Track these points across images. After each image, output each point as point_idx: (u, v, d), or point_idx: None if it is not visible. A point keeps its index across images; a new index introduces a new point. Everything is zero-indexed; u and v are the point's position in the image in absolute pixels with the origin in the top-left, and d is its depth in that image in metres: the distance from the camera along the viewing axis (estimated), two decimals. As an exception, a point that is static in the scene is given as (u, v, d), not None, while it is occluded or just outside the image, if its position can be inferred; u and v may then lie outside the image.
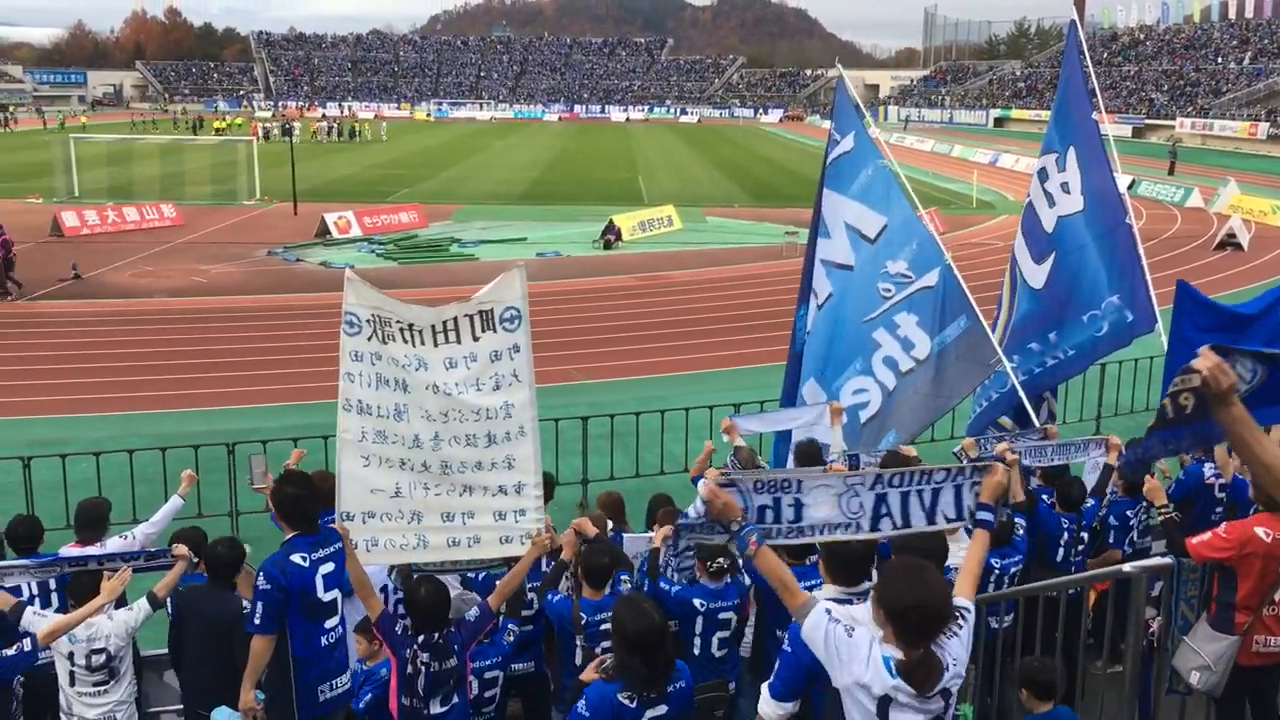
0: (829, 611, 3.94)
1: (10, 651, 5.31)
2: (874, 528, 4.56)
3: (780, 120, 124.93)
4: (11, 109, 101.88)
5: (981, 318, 8.48)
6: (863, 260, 8.96)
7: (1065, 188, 9.68)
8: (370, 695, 5.79)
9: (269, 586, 5.53)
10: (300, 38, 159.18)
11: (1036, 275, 9.73)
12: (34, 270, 25.23)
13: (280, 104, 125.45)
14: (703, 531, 4.67)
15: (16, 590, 6.20)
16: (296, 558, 5.64)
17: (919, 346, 8.60)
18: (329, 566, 5.73)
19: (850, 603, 4.38)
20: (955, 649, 3.87)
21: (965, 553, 4.41)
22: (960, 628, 3.92)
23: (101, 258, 28.57)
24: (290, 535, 5.74)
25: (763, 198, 46.36)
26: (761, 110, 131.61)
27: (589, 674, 5.10)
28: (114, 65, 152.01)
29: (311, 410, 14.59)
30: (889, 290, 8.69)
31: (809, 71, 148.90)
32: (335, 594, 5.82)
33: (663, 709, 4.82)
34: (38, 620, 5.88)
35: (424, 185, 48.79)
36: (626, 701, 4.70)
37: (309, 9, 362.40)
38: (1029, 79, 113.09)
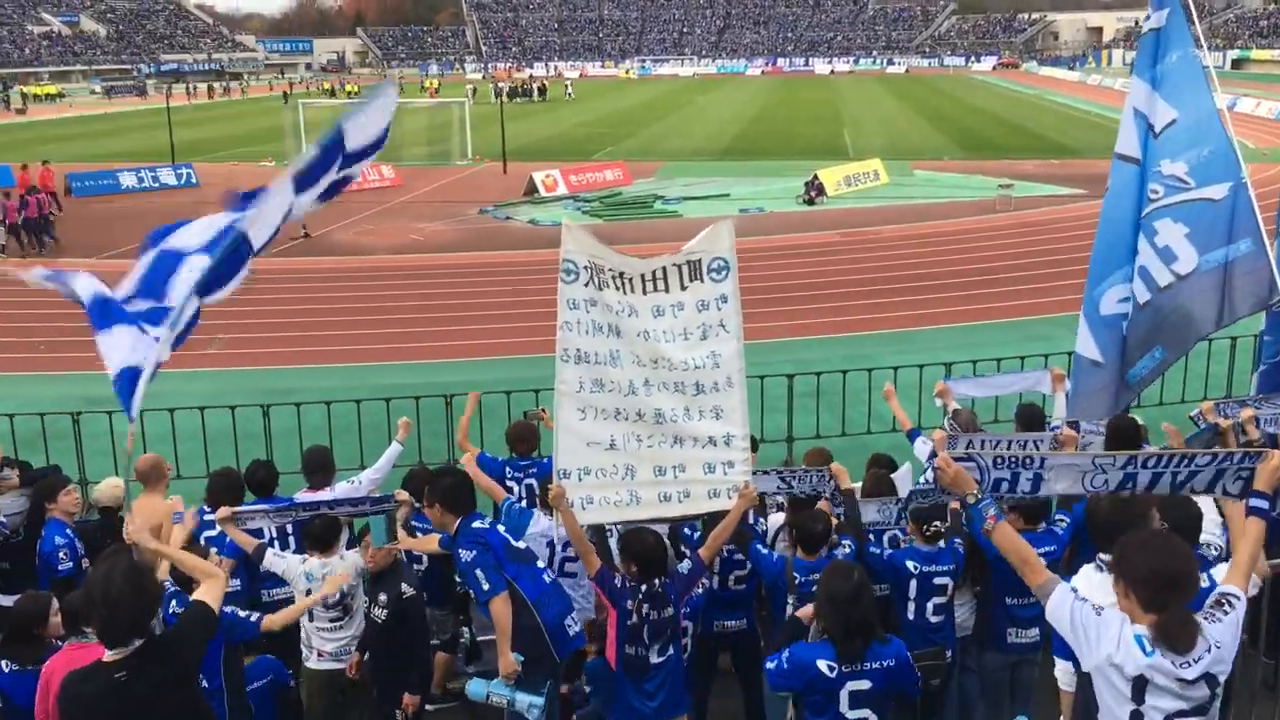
0: (1074, 590, 3.76)
1: (244, 614, 5.64)
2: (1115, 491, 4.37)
3: (993, 68, 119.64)
4: (245, 78, 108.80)
5: (1270, 249, 7.58)
6: (1144, 154, 7.87)
7: None
8: None
9: (473, 553, 5.77)
10: (509, 0, 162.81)
11: None
12: (269, 230, 26.88)
13: (490, 66, 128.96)
14: (934, 499, 4.53)
15: (258, 532, 6.65)
16: (477, 524, 5.94)
17: (1181, 260, 7.55)
18: (501, 528, 6.08)
19: None
20: (1218, 633, 3.65)
21: (1237, 542, 4.14)
22: (1226, 613, 3.69)
23: (327, 218, 30.12)
24: (458, 521, 5.99)
25: (974, 149, 44.50)
26: (973, 58, 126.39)
27: (805, 611, 5.08)
28: (337, 33, 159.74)
29: (521, 364, 15.00)
30: (1156, 192, 7.66)
31: (1026, 15, 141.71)
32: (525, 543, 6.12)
33: (865, 683, 4.75)
34: (277, 561, 6.30)
35: (627, 143, 49.25)
36: (826, 670, 4.68)
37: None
38: (1272, 16, 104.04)
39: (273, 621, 5.70)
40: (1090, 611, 3.69)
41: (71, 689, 4.18)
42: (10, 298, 21.09)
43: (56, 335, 16.98)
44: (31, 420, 11.21)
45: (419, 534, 6.75)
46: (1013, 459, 4.32)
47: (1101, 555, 4.76)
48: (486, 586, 5.70)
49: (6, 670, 5.18)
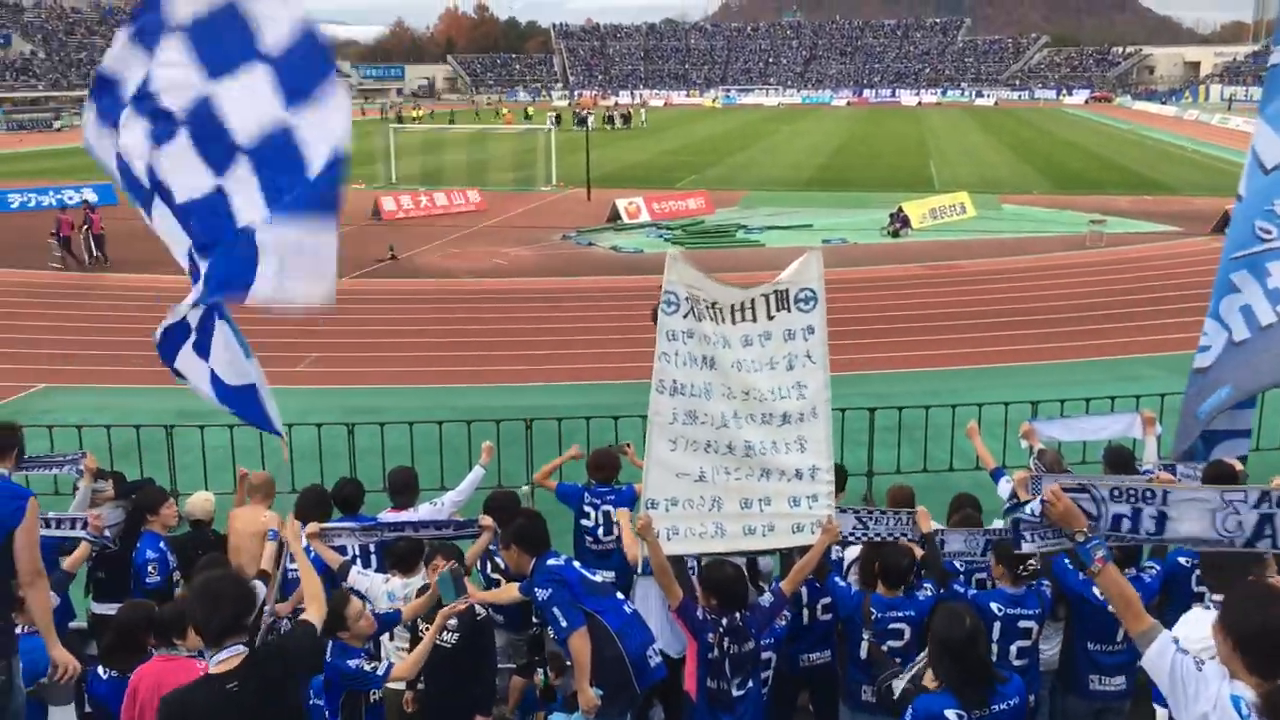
0: (1176, 641, 3.62)
1: (370, 668, 5.64)
2: (1249, 545, 4.18)
3: (1085, 102, 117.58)
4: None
5: None
6: (1252, 190, 7.74)
7: None
8: None
9: (549, 591, 5.77)
10: (596, 29, 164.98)
11: None
12: (355, 251, 27.41)
13: (576, 93, 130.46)
14: (1040, 533, 4.33)
15: (342, 549, 6.75)
16: (552, 562, 5.92)
17: None
18: (576, 565, 6.05)
19: None
20: None
21: None
22: None
23: (414, 240, 30.73)
24: (534, 561, 5.97)
25: (1065, 184, 43.71)
26: (1065, 92, 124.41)
27: (929, 681, 4.98)
28: (429, 59, 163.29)
29: (601, 390, 15.08)
30: (1268, 233, 7.46)
31: (1120, 49, 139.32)
32: (607, 575, 6.10)
33: None
34: (360, 579, 6.38)
35: (711, 171, 49.36)
36: (953, 718, 4.55)
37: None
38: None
39: (400, 672, 5.72)
40: (1191, 666, 3.55)
41: (179, 703, 4.17)
42: (108, 310, 21.82)
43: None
44: (126, 432, 11.54)
45: (496, 559, 6.79)
46: (1132, 491, 4.15)
47: (1213, 595, 4.57)
48: (564, 623, 5.70)
49: (105, 677, 5.31)
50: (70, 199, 31.99)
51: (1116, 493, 4.12)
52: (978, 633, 4.69)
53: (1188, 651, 3.58)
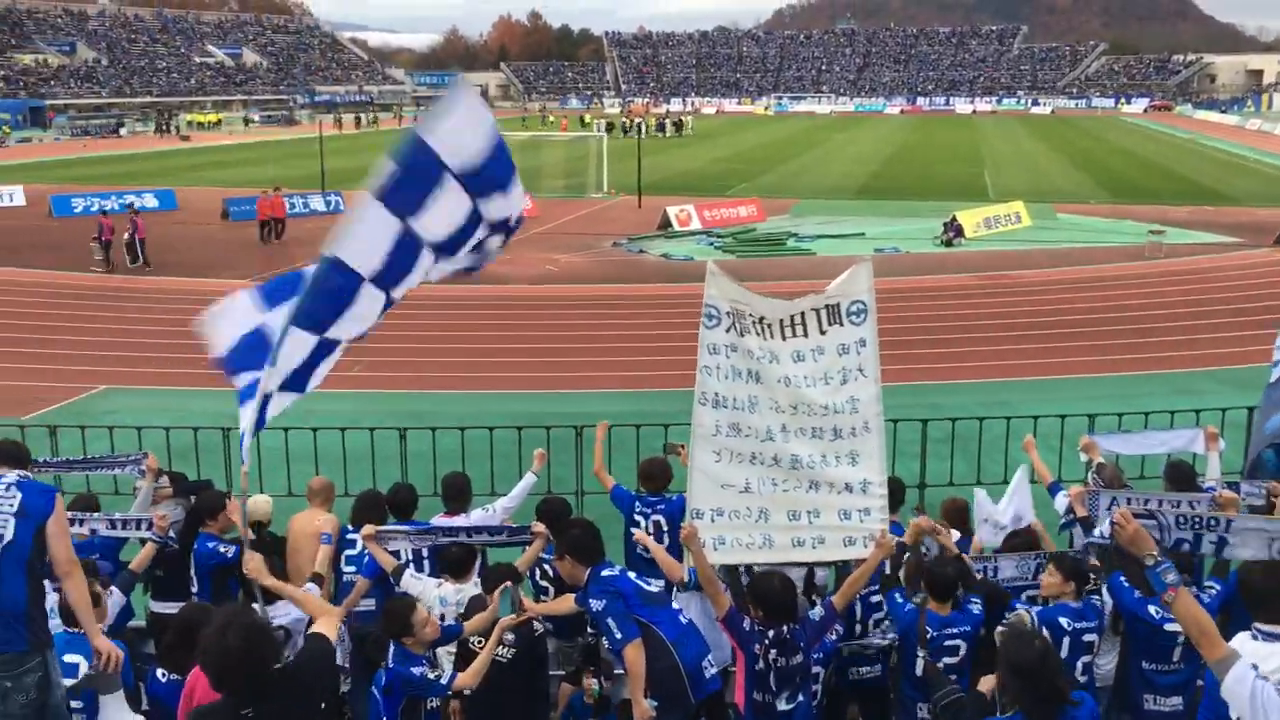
0: (1255, 667, 3.55)
1: (434, 675, 5.67)
2: None
3: (1145, 110, 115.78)
4: (395, 109, 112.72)
5: None
6: None
7: None
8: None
9: (604, 602, 5.76)
10: (648, 37, 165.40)
11: None
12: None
13: (627, 100, 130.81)
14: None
15: (396, 554, 6.80)
16: (606, 573, 5.91)
17: None
18: (631, 575, 5.99)
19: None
20: None
21: None
22: None
23: (467, 245, 30.89)
24: (588, 571, 5.96)
25: (1123, 194, 43.04)
26: (1123, 100, 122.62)
27: (987, 683, 4.90)
28: (482, 67, 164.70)
29: (651, 398, 15.06)
30: None
31: (1180, 57, 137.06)
32: (660, 584, 6.03)
33: None
34: (414, 583, 6.42)
35: (762, 179, 49.24)
36: None
37: (659, 7, 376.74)
38: None
39: (464, 681, 5.73)
40: (1273, 692, 3.48)
41: None
42: (161, 314, 22.19)
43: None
44: (184, 434, 11.72)
45: (546, 567, 6.80)
46: (1196, 519, 4.11)
47: (1258, 625, 4.49)
48: (619, 635, 5.68)
49: (163, 679, 5.38)
50: (132, 204, 32.60)
51: (1182, 520, 4.09)
52: (1048, 653, 4.61)
53: (1268, 678, 3.51)
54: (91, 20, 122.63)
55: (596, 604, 5.79)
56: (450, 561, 6.49)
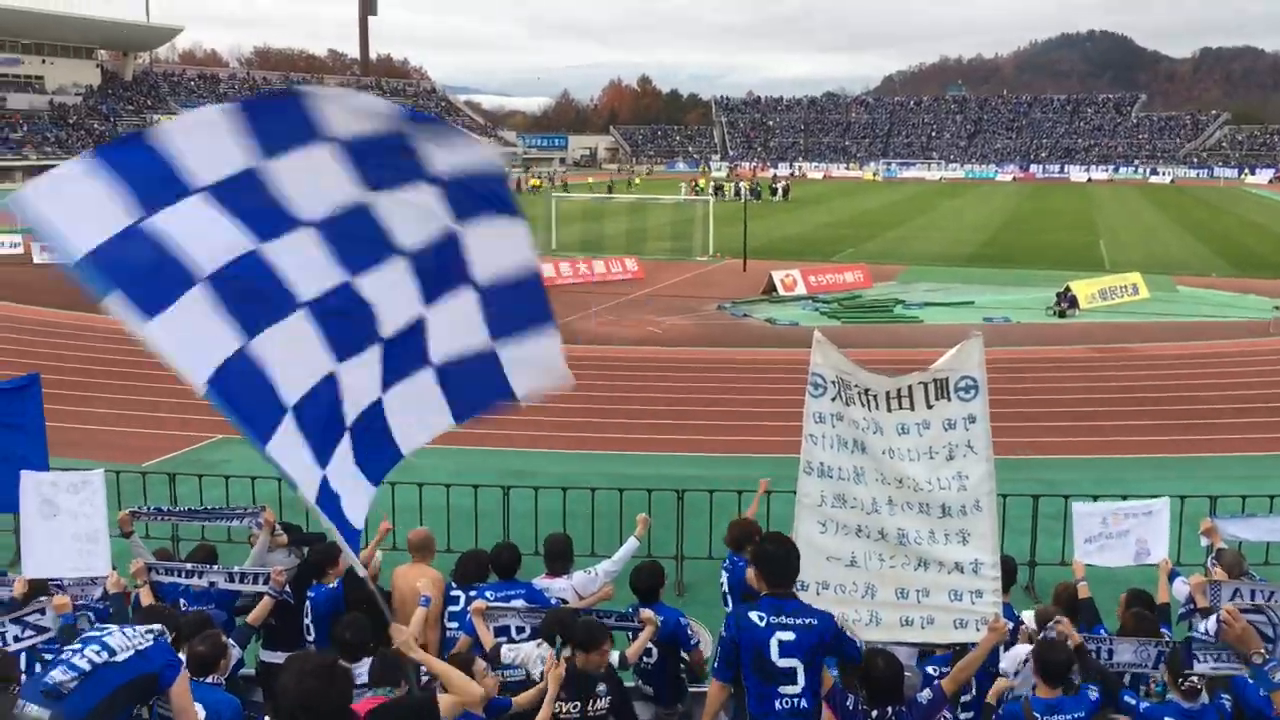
0: None
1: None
2: None
3: (1270, 181, 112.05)
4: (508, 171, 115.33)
5: None
6: None
7: None
8: None
9: (725, 634, 5.62)
10: (757, 101, 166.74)
11: None
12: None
13: (734, 164, 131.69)
14: (1214, 654, 4.15)
15: (504, 630, 6.73)
16: (754, 615, 5.52)
17: None
18: (789, 635, 5.47)
19: None
20: None
21: None
22: None
23: (572, 306, 31.29)
24: (763, 593, 5.60)
25: (1247, 267, 41.60)
26: (1247, 170, 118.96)
27: None
28: (593, 130, 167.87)
29: (753, 463, 14.95)
30: None
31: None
32: (794, 662, 5.54)
33: None
34: (510, 653, 6.41)
35: (869, 245, 48.93)
36: None
37: (767, 73, 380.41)
38: None
39: (520, 704, 5.68)
40: None
41: None
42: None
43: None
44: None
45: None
46: None
47: None
48: (716, 665, 5.56)
49: None
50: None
51: None
52: None
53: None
54: (223, 84, 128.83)
55: (723, 627, 5.59)
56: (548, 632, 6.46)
